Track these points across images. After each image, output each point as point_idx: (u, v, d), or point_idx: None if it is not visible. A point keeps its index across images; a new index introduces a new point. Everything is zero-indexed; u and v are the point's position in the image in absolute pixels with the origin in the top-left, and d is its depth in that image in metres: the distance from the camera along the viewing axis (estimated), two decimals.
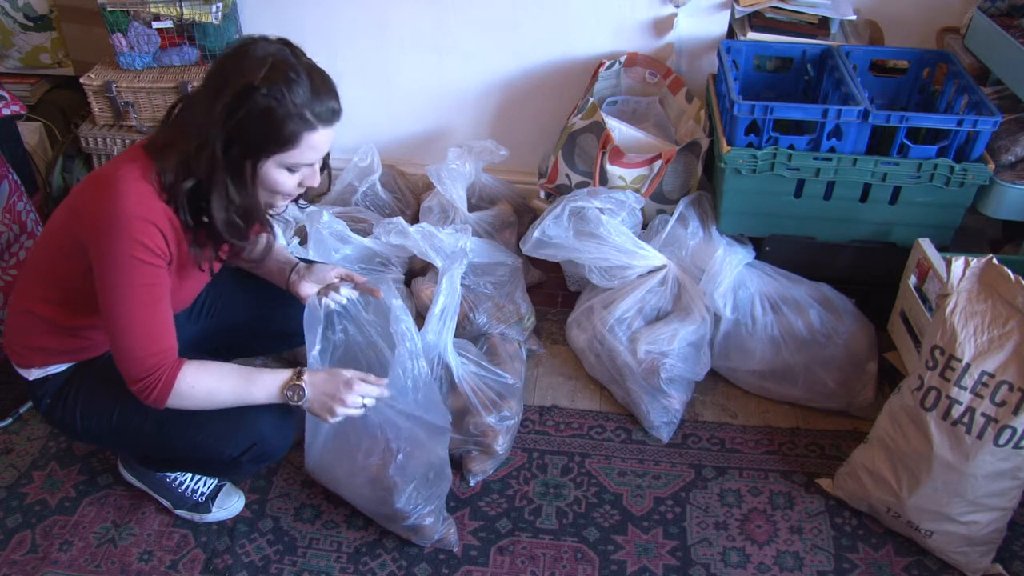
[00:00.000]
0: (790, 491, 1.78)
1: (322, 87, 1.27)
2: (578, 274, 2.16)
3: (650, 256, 1.98)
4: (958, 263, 1.50)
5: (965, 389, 1.46)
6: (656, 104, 2.34)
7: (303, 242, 2.07)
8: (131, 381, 1.32)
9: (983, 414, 1.45)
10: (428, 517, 1.62)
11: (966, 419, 1.46)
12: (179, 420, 1.42)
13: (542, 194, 2.32)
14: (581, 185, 2.13)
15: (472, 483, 1.79)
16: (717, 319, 1.97)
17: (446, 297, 1.80)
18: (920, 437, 1.53)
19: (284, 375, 1.41)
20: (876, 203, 1.90)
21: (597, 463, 1.85)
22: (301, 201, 1.51)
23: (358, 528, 1.70)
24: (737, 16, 2.19)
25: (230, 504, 1.72)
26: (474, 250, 2.02)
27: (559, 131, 2.23)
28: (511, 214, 2.34)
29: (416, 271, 2.19)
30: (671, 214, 2.07)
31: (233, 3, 2.33)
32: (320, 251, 2.01)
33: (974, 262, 1.49)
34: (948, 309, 1.49)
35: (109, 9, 2.18)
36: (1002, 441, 1.44)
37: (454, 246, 1.93)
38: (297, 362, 1.93)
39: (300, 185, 1.35)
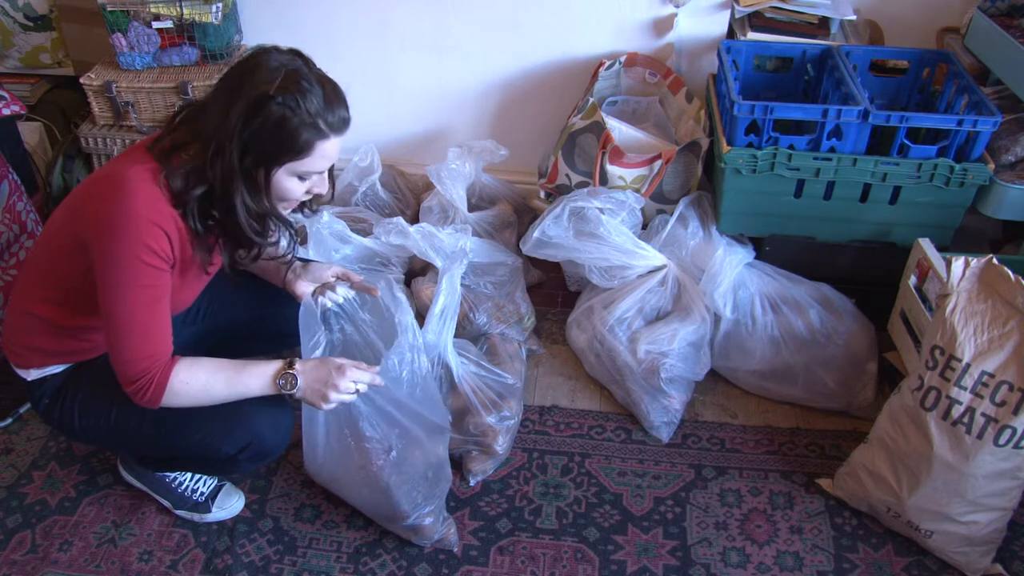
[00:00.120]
0: (790, 491, 1.78)
1: (333, 97, 1.30)
2: (578, 274, 2.17)
3: (650, 256, 1.98)
4: (958, 263, 1.50)
5: (965, 389, 1.46)
6: (656, 104, 2.35)
7: (303, 242, 2.07)
8: (126, 382, 1.32)
9: (983, 414, 1.45)
10: (428, 517, 1.62)
11: (966, 419, 1.46)
12: (176, 419, 1.42)
13: (542, 194, 2.32)
14: (581, 185, 2.13)
15: (472, 483, 1.79)
16: (717, 319, 1.97)
17: (446, 297, 1.80)
18: (920, 437, 1.53)
19: (276, 364, 1.41)
20: (876, 203, 1.90)
21: (597, 463, 1.85)
22: (306, 211, 1.54)
23: (358, 528, 1.70)
24: (737, 16, 2.19)
25: (230, 504, 1.73)
26: (474, 250, 2.02)
27: (559, 131, 2.23)
28: (511, 214, 2.34)
29: (416, 271, 2.19)
30: (671, 214, 2.07)
31: (233, 3, 2.33)
32: (320, 251, 2.01)
33: (974, 262, 1.49)
34: (948, 309, 1.49)
35: (109, 9, 2.18)
36: (1002, 441, 1.44)
37: (454, 246, 1.93)
38: None
39: (308, 192, 1.38)
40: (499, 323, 2.03)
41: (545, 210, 2.08)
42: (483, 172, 2.34)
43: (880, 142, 1.86)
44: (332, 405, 1.41)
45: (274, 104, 1.24)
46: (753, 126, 1.88)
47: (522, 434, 1.91)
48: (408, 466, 1.59)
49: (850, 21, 2.18)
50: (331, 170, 1.44)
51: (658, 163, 2.05)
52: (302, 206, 1.50)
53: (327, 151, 1.32)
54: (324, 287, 1.62)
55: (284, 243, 1.56)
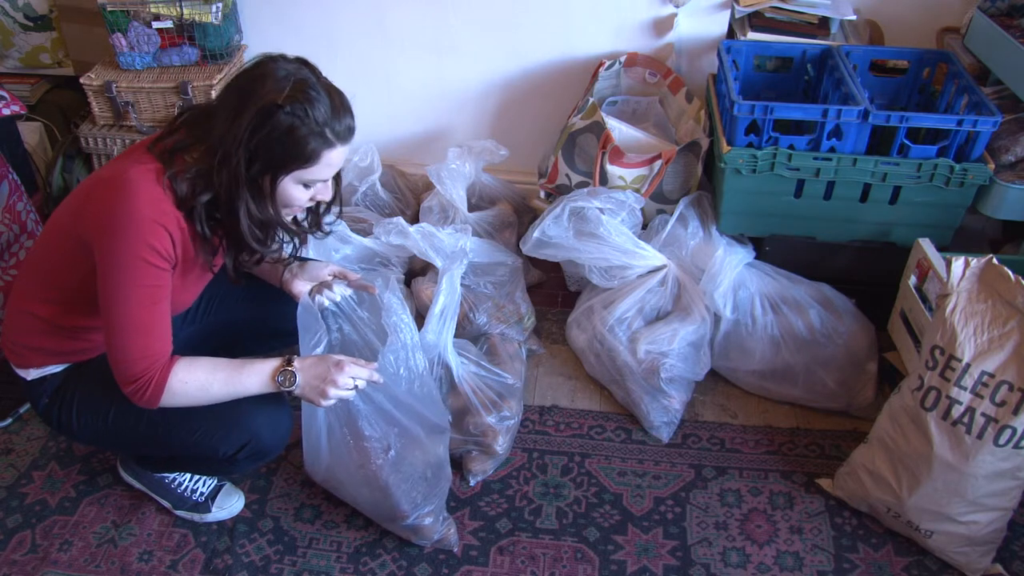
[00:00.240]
0: (790, 491, 1.78)
1: (340, 106, 1.32)
2: (578, 274, 2.17)
3: (650, 256, 1.98)
4: (958, 263, 1.50)
5: (965, 389, 1.46)
6: (656, 104, 2.35)
7: (303, 242, 2.06)
8: (124, 383, 1.32)
9: (983, 414, 1.45)
10: (428, 517, 1.62)
11: (966, 419, 1.46)
12: (174, 419, 1.42)
13: (542, 194, 2.32)
14: (581, 185, 2.13)
15: (472, 483, 1.79)
16: (717, 319, 1.97)
17: (446, 297, 1.80)
18: (920, 437, 1.53)
19: (274, 362, 1.41)
20: (876, 203, 1.90)
21: (597, 463, 1.85)
22: (318, 233, 1.56)
23: (358, 528, 1.70)
24: (737, 16, 2.20)
25: (230, 504, 1.73)
26: (474, 250, 2.02)
27: (559, 131, 2.23)
28: (511, 214, 2.34)
29: (416, 271, 2.19)
30: (671, 214, 2.07)
31: (233, 3, 2.33)
32: (320, 251, 2.01)
33: (974, 262, 1.49)
34: (948, 309, 1.49)
35: (109, 9, 2.18)
36: (1002, 441, 1.44)
37: (454, 246, 1.93)
38: None
39: (312, 199, 1.40)
40: (499, 323, 2.03)
41: (545, 210, 2.09)
42: (483, 172, 2.34)
43: (880, 142, 1.86)
44: (331, 402, 1.41)
45: (282, 113, 1.25)
46: (753, 126, 1.88)
47: (522, 434, 1.91)
48: (407, 466, 1.59)
49: (850, 21, 2.18)
50: (338, 177, 1.46)
51: (658, 163, 2.05)
52: (313, 227, 1.53)
53: (333, 159, 1.33)
54: (321, 286, 1.62)
55: (288, 249, 1.57)
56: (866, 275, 2.01)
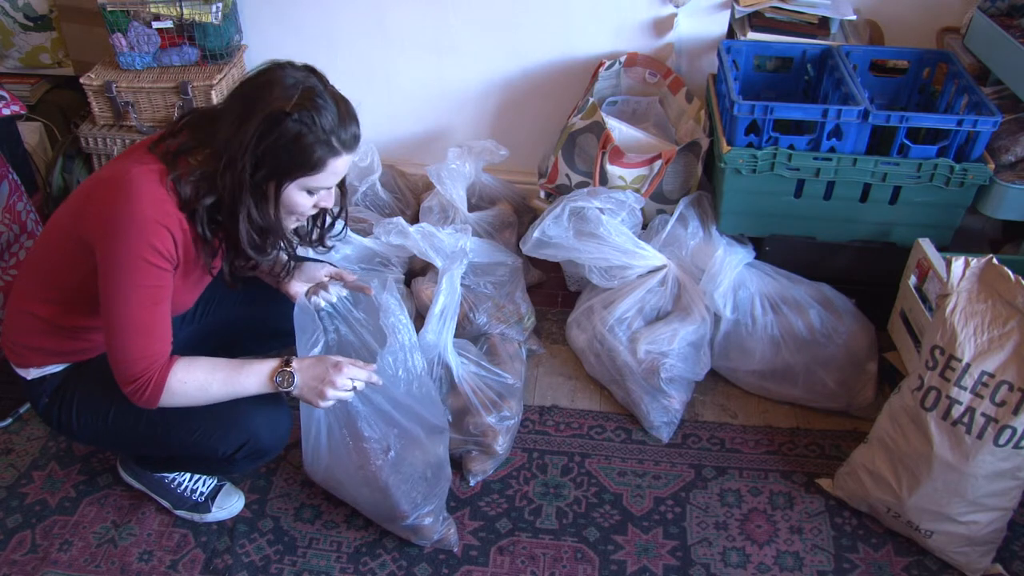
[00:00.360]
0: (790, 491, 1.78)
1: (346, 115, 1.33)
2: (578, 274, 2.16)
3: (650, 256, 1.98)
4: (958, 263, 1.50)
5: (965, 389, 1.46)
6: (656, 104, 2.35)
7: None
8: (124, 382, 1.32)
9: (983, 414, 1.45)
10: (427, 517, 1.62)
11: (966, 419, 1.46)
12: (173, 419, 1.42)
13: (542, 194, 2.32)
14: (581, 185, 2.13)
15: (472, 483, 1.79)
16: (717, 319, 1.97)
17: (446, 297, 1.80)
18: (920, 437, 1.53)
19: (273, 363, 1.41)
20: (876, 203, 1.90)
21: (597, 463, 1.85)
22: (319, 248, 1.58)
23: (358, 528, 1.70)
24: (737, 16, 2.19)
25: (230, 504, 1.73)
26: (474, 250, 2.02)
27: (559, 131, 2.23)
28: (511, 214, 2.34)
29: (416, 271, 2.19)
30: (671, 214, 2.07)
31: (233, 3, 2.33)
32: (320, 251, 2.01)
33: (974, 262, 1.49)
34: (948, 309, 1.49)
35: (109, 9, 2.18)
36: (1002, 441, 1.44)
37: (454, 246, 1.93)
38: None
39: (315, 206, 1.40)
40: (499, 323, 2.03)
41: (545, 210, 2.08)
42: (483, 172, 2.34)
43: (880, 142, 1.86)
44: (330, 403, 1.41)
45: (290, 121, 1.26)
46: (753, 126, 1.88)
47: (522, 434, 1.91)
48: (407, 466, 1.59)
49: (850, 21, 2.18)
50: (343, 187, 1.47)
51: (658, 163, 2.05)
52: (317, 242, 1.55)
53: (338, 167, 1.34)
54: (318, 287, 1.62)
55: (279, 270, 1.58)
56: (866, 275, 2.01)
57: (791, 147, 1.87)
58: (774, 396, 1.98)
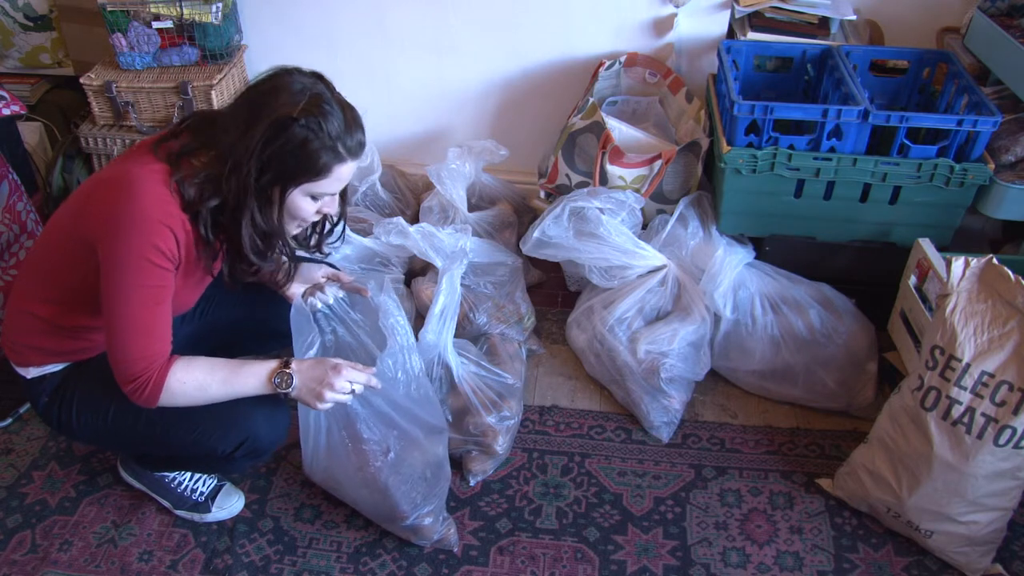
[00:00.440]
0: (790, 491, 1.78)
1: (352, 121, 1.34)
2: (578, 274, 2.16)
3: (650, 256, 1.98)
4: (958, 263, 1.50)
5: (965, 389, 1.46)
6: (656, 104, 2.35)
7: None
8: (123, 381, 1.32)
9: (983, 414, 1.45)
10: (427, 517, 1.62)
11: (966, 419, 1.46)
12: (172, 417, 1.42)
13: (542, 194, 2.32)
14: (581, 185, 2.13)
15: (472, 483, 1.79)
16: (717, 319, 1.97)
17: (446, 297, 1.80)
18: (920, 437, 1.53)
19: (272, 364, 1.42)
20: (876, 203, 1.90)
21: (597, 463, 1.85)
22: (317, 254, 1.58)
23: (358, 528, 1.70)
24: (737, 16, 2.19)
25: (230, 504, 1.73)
26: (474, 250, 2.02)
27: (559, 131, 2.23)
28: (511, 214, 2.34)
29: (416, 271, 2.19)
30: (671, 214, 2.07)
31: (233, 3, 2.33)
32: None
33: (974, 262, 1.49)
34: (948, 309, 1.49)
35: (109, 9, 2.18)
36: (1002, 441, 1.44)
37: (454, 246, 1.93)
38: None
39: (318, 212, 1.41)
40: (499, 323, 2.03)
41: (545, 210, 2.08)
42: (483, 172, 2.34)
43: (880, 142, 1.86)
44: (328, 405, 1.42)
45: (297, 126, 1.27)
46: (753, 126, 1.88)
47: (522, 434, 1.91)
48: (406, 467, 1.59)
49: (850, 21, 2.18)
50: (344, 195, 1.48)
51: (658, 163, 2.05)
52: (315, 248, 1.56)
53: (343, 174, 1.35)
54: (314, 288, 1.62)
55: (281, 276, 1.59)
56: (866, 275, 2.01)
57: (791, 147, 1.87)
58: (774, 396, 1.98)
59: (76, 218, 1.37)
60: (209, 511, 1.71)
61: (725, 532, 1.70)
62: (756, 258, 2.03)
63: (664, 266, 1.99)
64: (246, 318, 1.70)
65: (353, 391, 1.43)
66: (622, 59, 2.29)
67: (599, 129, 2.06)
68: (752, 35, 2.15)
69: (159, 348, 1.33)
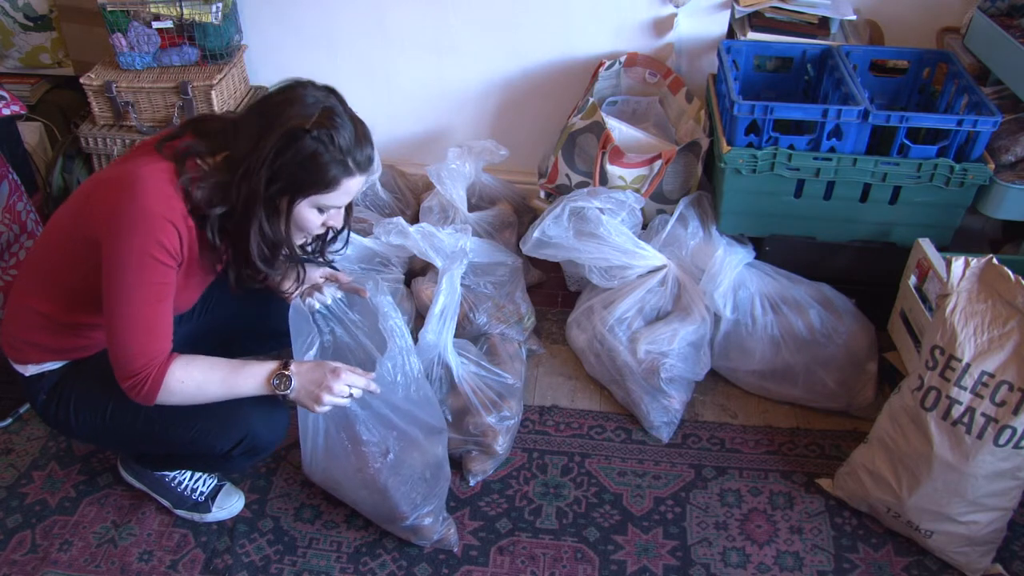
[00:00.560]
0: (790, 491, 1.78)
1: (363, 136, 1.36)
2: (578, 274, 2.16)
3: (650, 256, 1.98)
4: (958, 263, 1.50)
5: (965, 389, 1.46)
6: (656, 104, 2.35)
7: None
8: (122, 378, 1.33)
9: (983, 414, 1.45)
10: (427, 517, 1.62)
11: (966, 419, 1.46)
12: (170, 415, 1.42)
13: (542, 194, 2.32)
14: (581, 185, 2.13)
15: (472, 483, 1.79)
16: (717, 319, 1.97)
17: (446, 297, 1.80)
18: (920, 437, 1.53)
19: (271, 365, 1.42)
20: (876, 203, 1.90)
21: (597, 463, 1.85)
22: (320, 260, 1.59)
23: (358, 528, 1.70)
24: (737, 16, 2.19)
25: (230, 504, 1.73)
26: (474, 250, 2.02)
27: (559, 131, 2.23)
28: (511, 214, 2.34)
29: (416, 271, 2.19)
30: (671, 214, 2.07)
31: (233, 3, 2.33)
32: None
33: (974, 262, 1.49)
34: (948, 309, 1.49)
35: (109, 9, 2.18)
36: (1002, 441, 1.44)
37: (454, 246, 1.93)
38: None
39: (323, 224, 1.43)
40: (499, 323, 2.03)
41: (545, 210, 2.09)
42: (483, 172, 2.34)
43: (880, 142, 1.86)
44: (325, 408, 1.42)
45: (309, 138, 1.28)
46: (753, 126, 1.88)
47: (522, 434, 1.91)
48: (406, 468, 1.59)
49: (850, 21, 2.18)
50: (350, 208, 1.49)
51: (658, 163, 2.05)
52: (317, 255, 1.57)
53: (351, 187, 1.37)
54: (312, 288, 1.63)
55: (289, 284, 1.59)
56: (866, 275, 2.01)
57: (791, 147, 1.87)
58: (774, 396, 1.98)
59: (78, 217, 1.37)
60: (209, 511, 1.71)
61: (725, 532, 1.70)
62: (756, 258, 2.03)
63: (664, 266, 1.99)
64: (245, 318, 1.70)
65: (351, 395, 1.43)
66: (622, 59, 2.29)
67: (599, 129, 2.06)
68: (752, 35, 2.15)
69: (159, 346, 1.33)
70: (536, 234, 2.03)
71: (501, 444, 1.79)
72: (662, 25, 2.27)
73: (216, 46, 2.28)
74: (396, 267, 2.14)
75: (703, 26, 2.25)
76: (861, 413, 1.93)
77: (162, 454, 1.63)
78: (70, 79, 2.48)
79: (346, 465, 1.58)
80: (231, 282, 1.45)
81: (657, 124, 2.33)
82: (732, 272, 1.95)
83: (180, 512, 1.71)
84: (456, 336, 1.89)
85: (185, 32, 2.25)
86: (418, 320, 1.92)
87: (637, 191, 2.08)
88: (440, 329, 1.78)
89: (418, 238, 1.94)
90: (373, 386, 1.46)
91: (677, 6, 2.22)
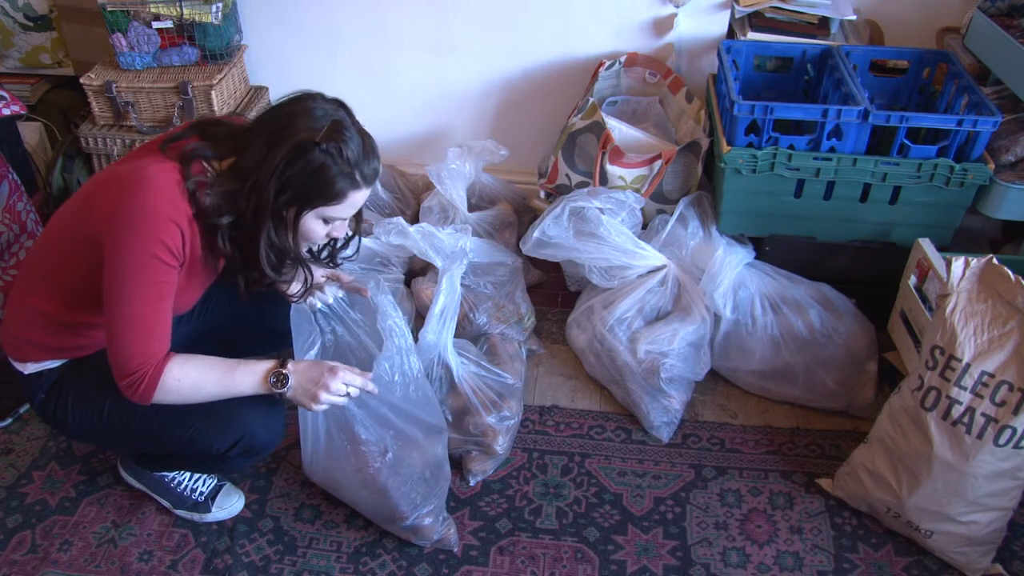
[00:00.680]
0: (790, 491, 1.78)
1: (370, 150, 1.37)
2: (578, 274, 2.17)
3: (650, 256, 1.98)
4: (958, 263, 1.50)
5: (965, 389, 1.46)
6: (656, 104, 2.35)
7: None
8: (119, 376, 1.33)
9: (983, 414, 1.45)
10: (427, 517, 1.62)
11: (966, 419, 1.46)
12: (167, 415, 1.43)
13: (542, 194, 2.32)
14: (581, 185, 2.13)
15: (472, 483, 1.79)
16: (717, 319, 1.97)
17: (446, 297, 1.80)
18: (920, 437, 1.53)
19: (268, 363, 1.42)
20: (876, 203, 1.90)
21: (597, 463, 1.85)
22: (330, 265, 1.62)
23: (358, 528, 1.70)
24: (737, 16, 2.19)
25: (230, 504, 1.73)
26: (474, 250, 2.02)
27: (559, 131, 2.23)
28: (511, 214, 2.34)
29: (416, 271, 2.19)
30: (671, 214, 2.07)
31: (233, 3, 2.33)
32: None
33: (974, 262, 1.49)
34: (948, 309, 1.49)
35: (109, 9, 2.18)
36: (1002, 441, 1.44)
37: (454, 246, 1.93)
38: None
39: (327, 235, 1.44)
40: (499, 323, 2.03)
41: (545, 210, 2.09)
42: (483, 172, 2.34)
43: (880, 142, 1.86)
44: (322, 407, 1.42)
45: (318, 151, 1.30)
46: (753, 126, 1.88)
47: (522, 434, 1.91)
48: (405, 467, 1.59)
49: (850, 21, 2.18)
50: (359, 216, 1.51)
51: (658, 163, 2.05)
52: (328, 260, 1.59)
53: (357, 200, 1.38)
54: (314, 288, 1.63)
55: (296, 287, 1.60)
56: (866, 275, 2.01)
57: (791, 147, 1.87)
58: (774, 396, 1.98)
59: (80, 214, 1.38)
60: (209, 511, 1.71)
61: (725, 532, 1.70)
62: (756, 258, 2.03)
63: (664, 266, 1.99)
64: (245, 318, 1.70)
65: (348, 394, 1.43)
66: (622, 59, 2.29)
67: (599, 129, 2.06)
68: (752, 35, 2.15)
69: (158, 345, 1.33)
70: (536, 234, 2.03)
71: (501, 444, 1.79)
72: (662, 25, 2.27)
73: (216, 46, 2.28)
74: (396, 267, 2.14)
75: (703, 26, 2.25)
76: (861, 413, 1.93)
77: (161, 454, 1.63)
78: (70, 79, 2.48)
79: (345, 465, 1.58)
80: (241, 289, 1.46)
81: (657, 124, 2.33)
82: (732, 272, 1.95)
83: (180, 512, 1.71)
84: (456, 336, 1.89)
85: (185, 32, 2.25)
86: (418, 320, 1.92)
87: (637, 191, 2.08)
88: (440, 329, 1.79)
89: (418, 238, 1.94)
90: (371, 386, 1.46)
91: (677, 6, 2.22)
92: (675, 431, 1.91)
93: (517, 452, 1.87)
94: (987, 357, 1.45)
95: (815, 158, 1.85)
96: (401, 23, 2.36)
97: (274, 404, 1.50)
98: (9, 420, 1.93)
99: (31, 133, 2.36)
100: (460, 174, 2.22)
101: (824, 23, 2.14)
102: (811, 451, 1.87)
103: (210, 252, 1.39)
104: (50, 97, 2.51)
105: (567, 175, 2.16)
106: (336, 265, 1.62)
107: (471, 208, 2.28)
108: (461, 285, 1.90)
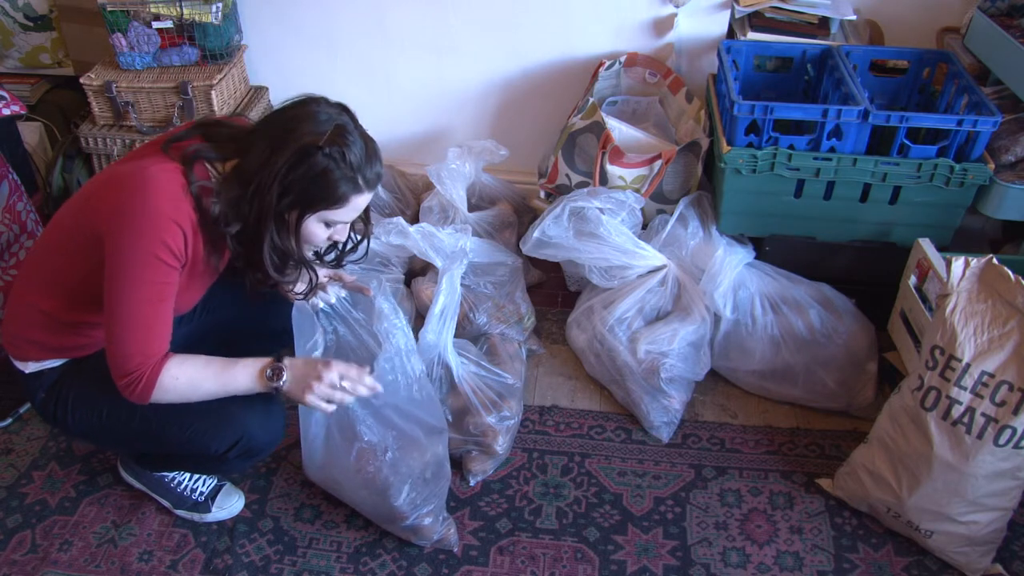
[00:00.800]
0: (790, 491, 1.78)
1: (372, 154, 1.38)
2: (578, 274, 2.17)
3: (650, 256, 1.98)
4: (958, 263, 1.50)
5: (965, 389, 1.46)
6: (656, 104, 2.35)
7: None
8: (118, 376, 1.33)
9: (983, 414, 1.45)
10: (427, 517, 1.62)
11: (966, 419, 1.46)
12: (165, 415, 1.43)
13: (542, 194, 2.32)
14: (581, 185, 2.13)
15: (472, 483, 1.79)
16: (717, 319, 1.97)
17: (446, 297, 1.80)
18: (920, 437, 1.53)
19: (265, 360, 1.42)
20: (876, 203, 1.90)
21: (597, 463, 1.85)
22: (336, 267, 1.63)
23: (358, 528, 1.70)
24: (737, 16, 2.20)
25: (230, 504, 1.73)
26: (474, 250, 2.02)
27: (559, 131, 2.23)
28: (511, 214, 2.34)
29: (416, 271, 2.19)
30: (671, 214, 2.07)
31: (233, 3, 2.33)
32: None
33: (974, 262, 1.49)
34: (948, 309, 1.49)
35: (109, 9, 2.18)
36: (1002, 441, 1.44)
37: (454, 246, 1.93)
38: None
39: (329, 239, 1.45)
40: (499, 323, 2.03)
41: (545, 210, 2.09)
42: (483, 172, 2.34)
43: (880, 142, 1.86)
44: (317, 400, 1.41)
45: (321, 155, 1.30)
46: (753, 126, 1.88)
47: (522, 434, 1.91)
48: (405, 467, 1.59)
49: (850, 21, 2.18)
50: (367, 218, 1.52)
51: (658, 163, 2.05)
52: (335, 263, 1.60)
53: (359, 204, 1.39)
54: (316, 287, 1.63)
55: (300, 287, 1.60)
56: (866, 275, 2.01)
57: (791, 147, 1.87)
58: (774, 396, 1.98)
59: (81, 213, 1.38)
60: (209, 511, 1.71)
61: (725, 532, 1.70)
62: (756, 258, 2.03)
63: (664, 266, 1.99)
64: (247, 318, 1.70)
65: (343, 387, 1.43)
66: (622, 59, 2.29)
67: (599, 129, 2.06)
68: (752, 35, 2.15)
69: (157, 345, 1.33)
70: (536, 234, 2.03)
71: (501, 444, 1.79)
72: (662, 25, 2.27)
73: (216, 46, 2.28)
74: (396, 267, 2.14)
75: (703, 26, 2.25)
76: (861, 413, 1.93)
77: (160, 454, 1.63)
78: (70, 79, 2.48)
79: (346, 465, 1.58)
80: (249, 290, 1.46)
81: (657, 124, 2.33)
82: (732, 272, 1.95)
83: (180, 512, 1.72)
84: (456, 336, 1.89)
85: (185, 32, 2.25)
86: (418, 320, 1.92)
87: (637, 191, 2.08)
88: (440, 329, 1.79)
89: (418, 238, 1.94)
90: (370, 381, 1.46)
91: (677, 6, 2.22)
92: (675, 431, 1.91)
93: (517, 452, 1.87)
94: (987, 357, 1.45)
95: (815, 158, 1.85)
96: (401, 23, 2.36)
97: (273, 405, 1.50)
98: (9, 420, 1.93)
99: (31, 133, 2.36)
100: (460, 174, 2.22)
101: (824, 23, 2.14)
102: (811, 451, 1.87)
103: (212, 253, 1.39)
104: (50, 97, 2.51)
105: (567, 175, 2.16)
106: (341, 266, 1.62)
107: (471, 208, 2.28)
108: (461, 285, 1.90)
